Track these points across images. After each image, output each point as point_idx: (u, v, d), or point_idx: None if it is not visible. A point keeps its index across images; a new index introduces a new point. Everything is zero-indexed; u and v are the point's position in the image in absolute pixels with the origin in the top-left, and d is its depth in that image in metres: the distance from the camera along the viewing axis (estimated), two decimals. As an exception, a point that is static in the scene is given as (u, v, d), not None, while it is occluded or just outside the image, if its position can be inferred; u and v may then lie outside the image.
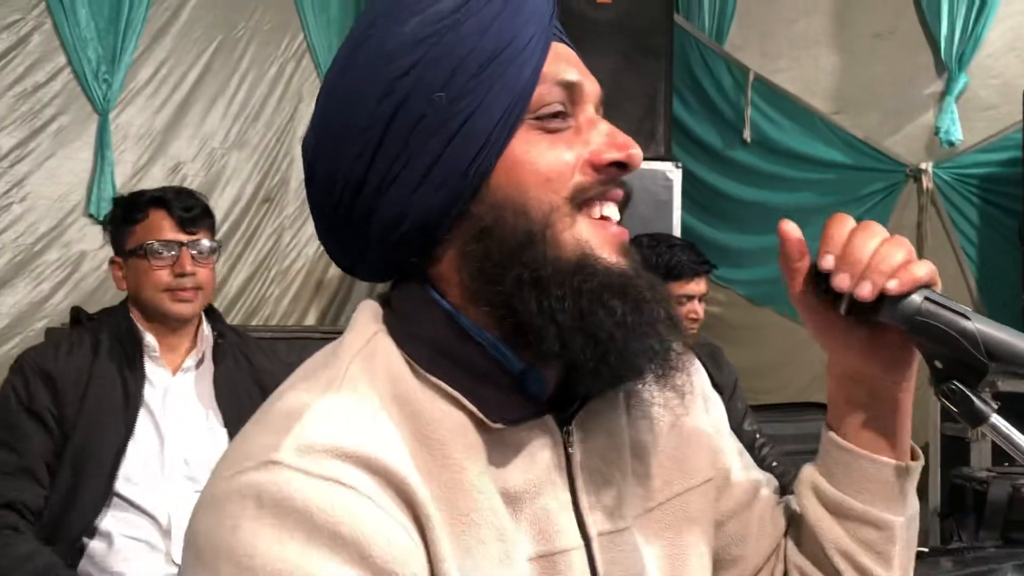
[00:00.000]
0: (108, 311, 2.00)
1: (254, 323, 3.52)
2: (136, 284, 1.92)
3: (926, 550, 1.67)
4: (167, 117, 3.40)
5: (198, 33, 3.45)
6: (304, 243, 3.80)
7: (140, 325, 1.91)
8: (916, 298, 0.71)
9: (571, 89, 0.73)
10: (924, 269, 0.72)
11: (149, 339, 1.90)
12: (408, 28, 0.70)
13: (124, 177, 3.26)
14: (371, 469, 0.65)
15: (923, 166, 3.28)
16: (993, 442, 0.75)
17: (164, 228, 1.91)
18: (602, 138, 0.73)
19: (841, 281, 0.72)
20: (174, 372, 1.93)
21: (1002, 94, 3.00)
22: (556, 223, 0.70)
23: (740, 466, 0.89)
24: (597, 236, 0.71)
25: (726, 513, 0.86)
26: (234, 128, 3.56)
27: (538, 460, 0.73)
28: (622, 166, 0.72)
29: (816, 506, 0.84)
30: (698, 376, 0.87)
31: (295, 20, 3.68)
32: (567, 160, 0.71)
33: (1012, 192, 2.94)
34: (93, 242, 3.20)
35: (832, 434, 0.83)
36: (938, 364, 0.71)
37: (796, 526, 0.87)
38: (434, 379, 0.70)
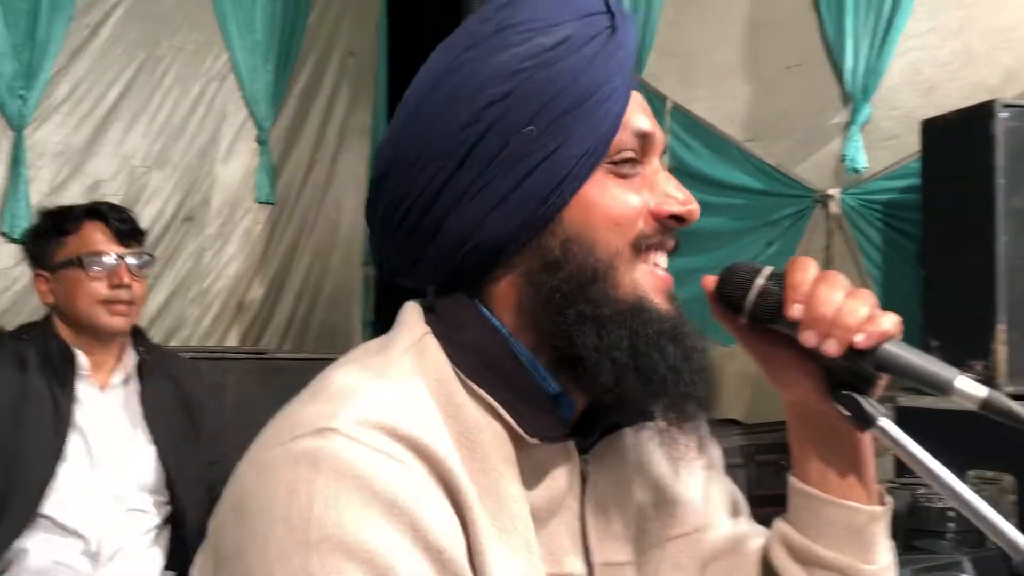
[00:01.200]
0: (30, 327, 1.96)
1: (173, 343, 3.47)
2: (68, 297, 1.88)
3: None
4: (86, 134, 3.35)
5: (119, 51, 3.41)
6: (225, 263, 3.77)
7: (68, 341, 1.88)
8: None
9: (644, 139, 0.76)
10: (891, 323, 0.74)
11: (81, 357, 1.87)
12: (504, 59, 0.72)
13: (40, 195, 3.20)
14: (420, 454, 0.66)
15: (830, 192, 3.41)
16: (896, 455, 0.79)
17: (101, 240, 1.89)
18: (667, 190, 0.76)
19: (810, 338, 0.74)
20: (102, 389, 1.90)
21: (903, 125, 3.15)
22: (619, 266, 0.73)
23: (728, 513, 0.90)
24: (651, 282, 0.75)
25: (706, 559, 0.86)
26: (155, 146, 3.52)
27: (558, 482, 0.75)
28: (680, 219, 0.76)
29: (784, 556, 0.83)
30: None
31: (219, 40, 3.66)
32: (635, 207, 0.74)
33: (912, 217, 3.08)
34: (6, 260, 3.12)
35: (795, 480, 0.83)
36: (833, 372, 0.77)
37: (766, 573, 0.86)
38: (476, 388, 0.71)
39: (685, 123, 3.74)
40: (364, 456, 0.63)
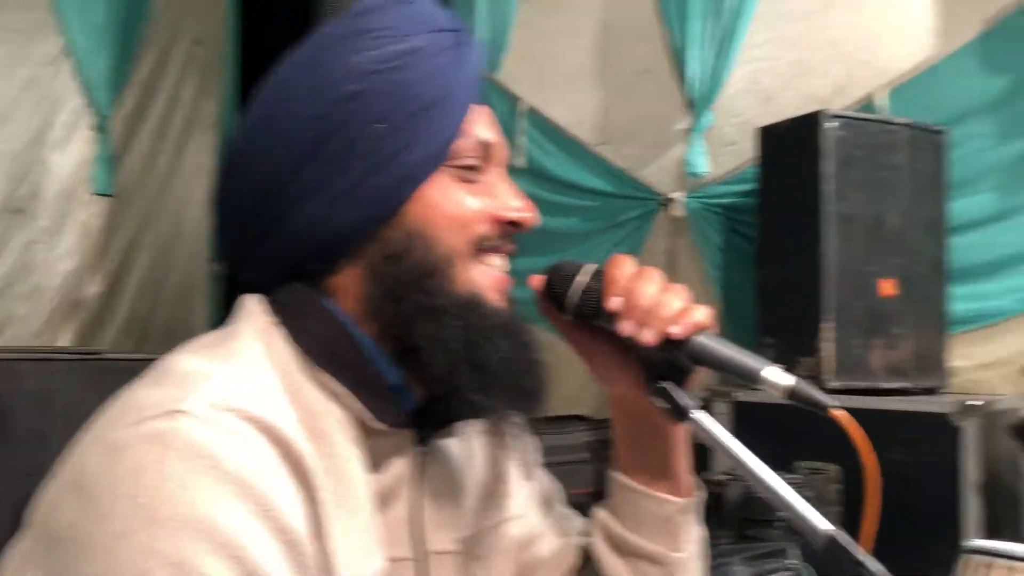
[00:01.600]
0: None
1: (-1, 343, 3.26)
2: None
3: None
4: None
5: (-66, 28, 3.17)
6: (59, 258, 3.56)
7: None
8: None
9: (487, 148, 0.82)
10: (703, 315, 0.79)
11: None
12: (358, 60, 0.77)
13: None
14: (270, 436, 0.68)
15: (674, 196, 3.54)
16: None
17: None
18: (506, 198, 0.82)
19: (627, 328, 0.79)
20: None
21: (742, 132, 3.29)
22: (457, 263, 0.78)
23: (544, 502, 0.95)
24: (487, 281, 0.80)
25: (523, 545, 0.91)
26: (-22, 133, 3.29)
27: (397, 470, 0.78)
28: (517, 225, 0.82)
29: (602, 544, 0.89)
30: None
31: (52, 22, 3.46)
32: (474, 209, 0.79)
33: (749, 221, 3.23)
34: None
35: (615, 472, 0.89)
36: (651, 365, 0.80)
37: (589, 566, 0.92)
38: (323, 375, 0.74)
39: (539, 125, 3.79)
40: (215, 437, 0.64)
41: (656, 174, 3.60)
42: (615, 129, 3.71)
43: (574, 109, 3.77)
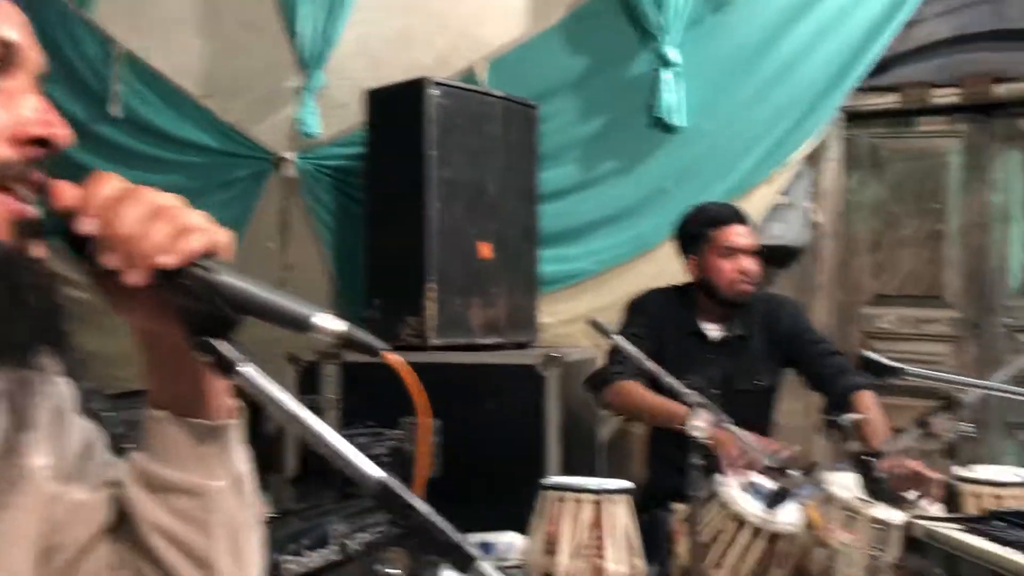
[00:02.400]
0: None
1: None
2: None
3: (279, 514, 1.81)
4: None
5: None
6: None
7: None
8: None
9: (8, 48, 0.69)
10: (199, 241, 0.69)
11: None
12: None
13: None
14: None
15: (286, 155, 3.48)
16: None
17: None
18: (30, 112, 0.68)
19: (111, 260, 0.68)
20: None
21: (353, 94, 3.30)
22: None
23: (80, 448, 0.84)
24: None
25: (50, 497, 0.80)
26: None
27: None
28: (46, 144, 0.69)
29: (136, 487, 0.80)
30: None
31: None
32: None
33: (358, 183, 3.27)
34: None
35: (146, 408, 0.79)
36: (189, 315, 0.72)
37: (123, 515, 0.82)
38: None
39: (138, 72, 3.53)
40: None
41: (267, 132, 3.51)
42: (221, 83, 3.55)
43: (177, 58, 3.54)
